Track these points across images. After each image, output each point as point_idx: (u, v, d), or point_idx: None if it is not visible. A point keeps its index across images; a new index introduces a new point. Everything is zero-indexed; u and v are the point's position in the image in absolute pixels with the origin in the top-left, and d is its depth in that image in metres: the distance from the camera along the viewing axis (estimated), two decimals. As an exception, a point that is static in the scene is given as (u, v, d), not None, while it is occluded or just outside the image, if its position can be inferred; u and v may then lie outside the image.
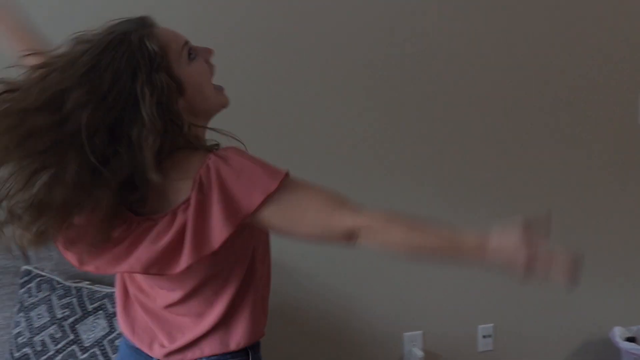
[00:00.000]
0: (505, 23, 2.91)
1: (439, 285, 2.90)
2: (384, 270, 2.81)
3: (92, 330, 2.05)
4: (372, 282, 2.82)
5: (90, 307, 2.08)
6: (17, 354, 2.06)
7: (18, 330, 2.09)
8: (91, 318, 2.07)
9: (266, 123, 2.62)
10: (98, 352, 2.02)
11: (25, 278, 2.17)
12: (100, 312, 2.08)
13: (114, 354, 2.00)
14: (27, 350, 2.05)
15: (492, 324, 2.98)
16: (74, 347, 2.03)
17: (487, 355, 2.98)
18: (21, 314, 2.10)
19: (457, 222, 1.48)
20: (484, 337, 2.97)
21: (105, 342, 2.03)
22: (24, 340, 2.07)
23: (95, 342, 2.03)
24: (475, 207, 2.90)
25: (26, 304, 2.11)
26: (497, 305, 2.98)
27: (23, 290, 2.14)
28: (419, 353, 2.86)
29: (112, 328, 2.06)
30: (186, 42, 1.35)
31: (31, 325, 2.07)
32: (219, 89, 1.43)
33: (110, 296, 2.10)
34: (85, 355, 2.01)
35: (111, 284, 2.16)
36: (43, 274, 2.18)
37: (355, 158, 2.80)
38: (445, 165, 2.91)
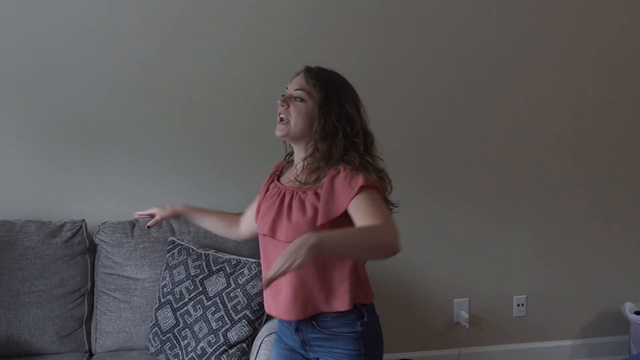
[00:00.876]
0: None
1: (483, 262, 3.17)
2: (440, 247, 3.12)
3: (214, 285, 2.38)
4: (430, 256, 3.11)
5: (214, 268, 2.42)
6: (163, 300, 2.44)
7: (164, 283, 2.47)
8: (214, 276, 2.39)
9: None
10: (218, 301, 2.34)
11: (170, 246, 2.55)
12: (221, 272, 2.40)
13: (229, 302, 2.34)
14: (169, 297, 2.42)
15: (525, 295, 3.24)
16: (202, 296, 2.37)
17: (520, 320, 3.25)
18: (166, 272, 2.48)
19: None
20: (518, 305, 3.24)
21: (223, 294, 2.35)
22: (168, 290, 2.44)
23: (216, 293, 2.36)
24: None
25: (170, 264, 2.49)
26: (529, 281, 3.22)
27: (169, 254, 2.52)
28: (465, 315, 3.15)
29: (228, 284, 2.36)
30: None
31: (173, 279, 2.44)
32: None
33: (229, 261, 2.44)
34: (209, 303, 2.34)
35: (230, 252, 2.56)
36: (182, 243, 2.54)
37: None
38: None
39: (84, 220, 2.72)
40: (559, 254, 3.26)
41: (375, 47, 2.98)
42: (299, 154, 1.75)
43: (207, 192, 2.89)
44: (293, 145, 1.77)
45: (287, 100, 1.69)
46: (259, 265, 2.40)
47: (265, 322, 2.35)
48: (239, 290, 2.37)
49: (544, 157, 3.20)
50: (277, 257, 1.41)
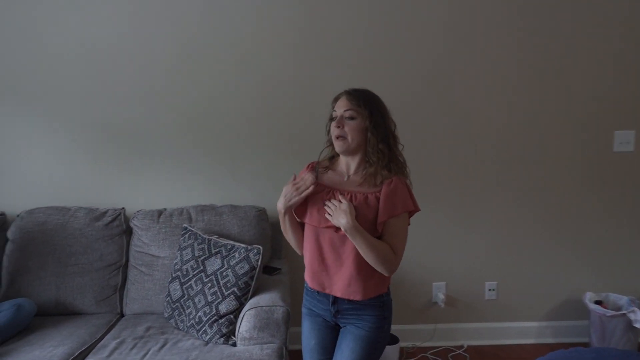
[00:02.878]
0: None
1: (459, 252, 2.94)
2: (423, 238, 2.92)
3: (212, 265, 2.30)
4: (414, 246, 2.87)
5: (213, 251, 2.34)
6: (174, 275, 2.39)
7: (175, 261, 2.41)
8: (213, 258, 2.32)
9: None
10: (214, 278, 2.26)
11: (183, 231, 2.49)
12: (218, 254, 2.32)
13: (222, 280, 2.25)
14: (178, 273, 2.37)
15: (495, 282, 2.99)
16: (202, 274, 2.30)
17: (491, 302, 3.00)
18: (178, 252, 2.42)
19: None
20: (490, 290, 3.01)
21: (218, 272, 2.27)
22: (178, 267, 2.38)
23: (213, 272, 2.28)
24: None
25: (181, 246, 2.43)
26: (500, 269, 2.97)
27: (181, 238, 2.47)
28: (442, 297, 2.95)
29: (223, 264, 2.27)
30: None
31: (182, 259, 2.38)
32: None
33: (225, 246, 2.34)
34: (207, 279, 2.27)
35: (231, 239, 2.45)
36: (192, 229, 2.48)
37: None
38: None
39: (123, 208, 2.72)
40: (528, 247, 2.97)
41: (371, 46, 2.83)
42: (351, 161, 1.71)
43: (222, 188, 2.82)
44: (347, 158, 1.72)
45: (340, 121, 1.65)
46: (247, 250, 2.30)
47: (250, 299, 2.25)
48: (229, 270, 2.27)
49: (510, 155, 2.89)
50: (328, 244, 1.65)
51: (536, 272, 2.99)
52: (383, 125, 1.68)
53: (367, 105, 1.67)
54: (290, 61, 2.75)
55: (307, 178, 1.66)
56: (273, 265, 2.64)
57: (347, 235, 1.60)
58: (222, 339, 2.19)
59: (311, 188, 1.64)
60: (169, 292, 2.39)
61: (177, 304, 2.35)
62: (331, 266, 1.68)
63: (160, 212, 2.65)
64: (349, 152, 1.69)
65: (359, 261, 1.63)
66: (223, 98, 2.77)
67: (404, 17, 2.75)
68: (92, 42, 2.69)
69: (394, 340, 2.74)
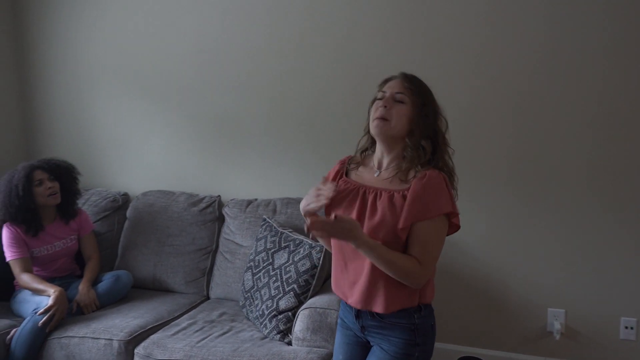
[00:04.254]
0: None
1: (586, 275, 2.44)
2: (537, 249, 2.50)
3: (280, 258, 2.25)
4: (526, 260, 2.52)
5: (282, 245, 2.29)
6: (248, 265, 2.39)
7: (251, 252, 2.42)
8: (281, 251, 2.27)
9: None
10: (279, 273, 2.21)
11: (262, 222, 2.50)
12: (286, 249, 2.26)
13: (284, 275, 2.19)
14: (251, 263, 2.36)
15: (635, 319, 2.39)
16: (270, 267, 2.26)
17: (627, 344, 2.41)
18: (255, 243, 2.44)
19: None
20: (626, 328, 2.42)
21: (283, 267, 2.21)
22: (252, 257, 2.38)
23: (279, 266, 2.23)
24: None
25: (258, 237, 2.43)
26: None
27: (260, 229, 2.47)
28: (558, 326, 2.47)
29: (288, 259, 2.21)
30: None
31: (256, 250, 2.37)
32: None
33: (294, 240, 2.28)
34: (273, 273, 2.23)
35: (301, 232, 2.38)
36: (269, 221, 2.46)
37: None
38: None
39: (219, 196, 2.82)
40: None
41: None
42: (386, 153, 1.49)
43: (315, 183, 2.75)
44: (383, 144, 1.48)
45: (389, 101, 1.45)
46: (310, 247, 2.19)
47: (309, 298, 2.14)
48: (292, 266, 2.18)
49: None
50: (351, 248, 1.39)
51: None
52: (432, 120, 1.46)
53: (422, 95, 1.46)
54: (389, 51, 2.55)
55: (328, 188, 1.45)
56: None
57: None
58: (278, 336, 2.12)
59: (327, 200, 1.43)
60: (243, 281, 2.41)
61: (248, 294, 2.35)
62: (351, 272, 1.48)
63: (249, 202, 2.69)
64: (386, 139, 1.46)
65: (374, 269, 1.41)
66: (325, 94, 2.69)
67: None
68: (201, 41, 2.84)
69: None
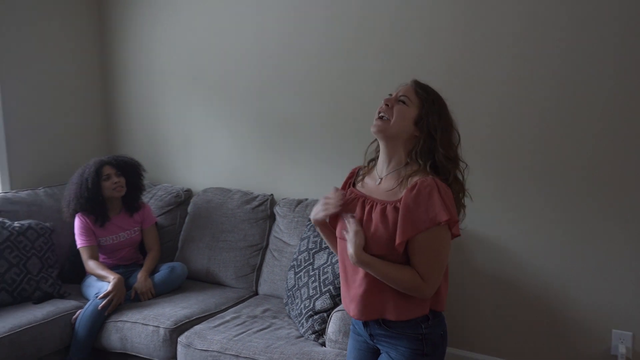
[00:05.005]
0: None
1: None
2: (600, 265, 2.30)
3: (320, 259, 2.26)
4: (587, 272, 2.33)
5: (323, 245, 2.30)
6: (292, 263, 2.41)
7: (295, 250, 2.46)
8: (322, 252, 2.28)
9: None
10: (317, 273, 2.22)
11: (307, 222, 2.52)
12: (326, 249, 2.27)
13: (322, 276, 2.20)
14: (294, 262, 2.39)
15: None
16: (310, 267, 2.28)
17: None
18: (299, 242, 2.46)
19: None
20: None
21: (322, 268, 2.22)
22: (295, 256, 2.40)
23: (318, 266, 2.24)
24: None
25: (303, 237, 2.45)
26: None
27: (305, 229, 2.49)
28: (624, 351, 2.26)
29: (327, 260, 2.22)
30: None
31: (300, 249, 2.39)
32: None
33: None
34: (312, 273, 2.24)
35: None
36: None
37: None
38: None
39: (272, 194, 2.88)
40: None
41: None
42: (387, 159, 1.46)
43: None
44: (384, 147, 1.46)
45: (391, 100, 1.45)
46: (348, 249, 2.19)
47: (345, 300, 2.13)
48: (330, 267, 2.18)
49: None
50: (350, 264, 1.41)
51: None
52: (441, 130, 1.40)
53: (429, 101, 1.43)
54: (443, 51, 2.46)
55: (337, 197, 1.43)
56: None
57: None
58: (313, 336, 2.13)
59: (336, 209, 1.42)
60: (287, 279, 2.44)
61: (290, 292, 2.38)
62: (351, 286, 1.46)
63: (299, 202, 2.72)
64: (386, 140, 1.43)
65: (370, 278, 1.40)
66: (378, 95, 2.65)
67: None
68: (263, 45, 2.91)
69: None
